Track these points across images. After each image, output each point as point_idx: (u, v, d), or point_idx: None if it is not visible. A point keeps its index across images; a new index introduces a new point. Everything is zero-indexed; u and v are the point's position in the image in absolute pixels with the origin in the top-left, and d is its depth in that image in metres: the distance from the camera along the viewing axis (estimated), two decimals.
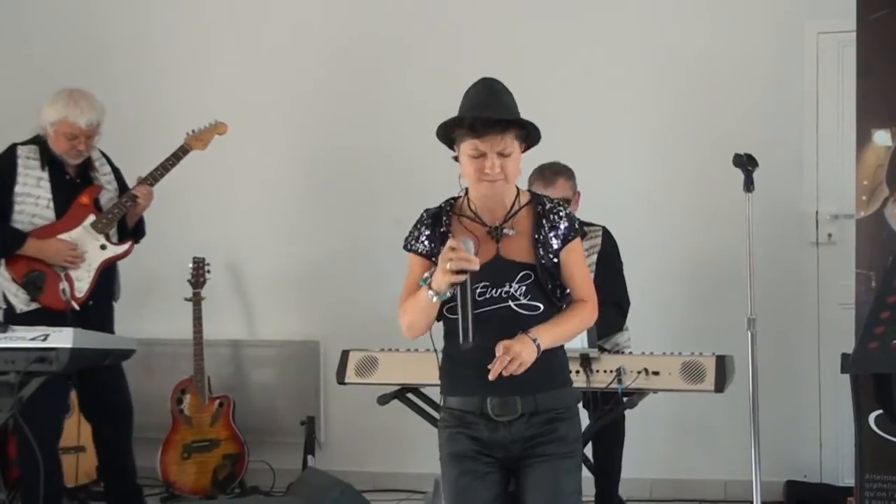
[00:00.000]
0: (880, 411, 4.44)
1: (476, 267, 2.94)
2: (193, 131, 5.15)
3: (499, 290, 3.04)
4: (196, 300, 5.66)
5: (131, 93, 6.07)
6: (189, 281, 5.68)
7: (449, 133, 3.19)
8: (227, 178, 6.08)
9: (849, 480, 5.14)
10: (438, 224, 3.21)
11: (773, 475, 5.24)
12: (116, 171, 5.06)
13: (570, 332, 3.10)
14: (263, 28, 6.14)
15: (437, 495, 5.49)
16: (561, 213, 3.13)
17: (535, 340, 2.96)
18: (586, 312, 3.12)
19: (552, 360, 3.08)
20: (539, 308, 3.04)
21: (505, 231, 3.11)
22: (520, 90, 6.00)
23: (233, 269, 6.13)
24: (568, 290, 3.11)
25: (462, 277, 2.92)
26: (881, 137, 4.58)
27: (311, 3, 6.11)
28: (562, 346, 3.14)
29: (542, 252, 3.08)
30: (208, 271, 5.73)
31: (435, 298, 3.00)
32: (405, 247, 3.28)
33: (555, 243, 3.10)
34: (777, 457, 5.29)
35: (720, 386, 4.26)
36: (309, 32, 6.08)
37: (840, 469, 5.40)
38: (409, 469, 5.80)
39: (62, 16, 6.32)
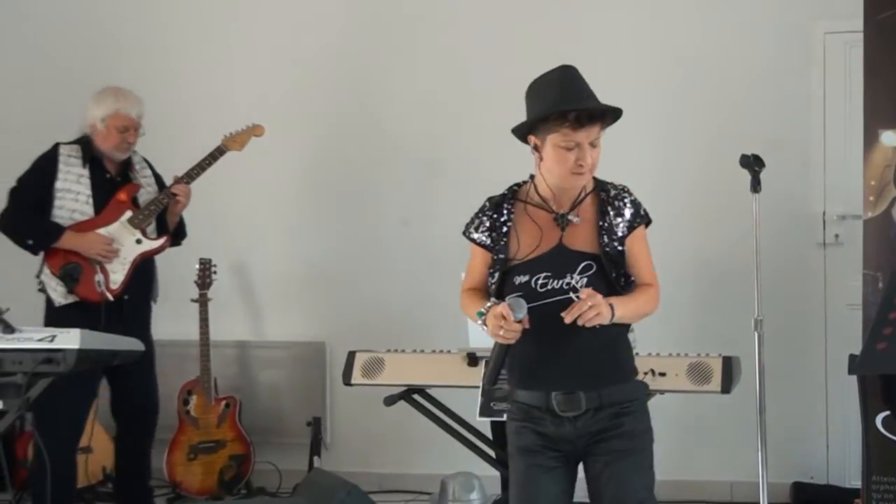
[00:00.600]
0: (887, 413, 4.44)
1: (514, 342, 2.93)
2: (231, 133, 5.22)
3: (560, 282, 3.01)
4: (202, 301, 5.67)
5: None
6: (195, 282, 5.68)
7: (533, 124, 3.09)
8: (233, 179, 6.07)
9: (856, 482, 5.13)
10: (500, 214, 3.16)
11: (780, 476, 5.23)
12: (157, 176, 5.17)
13: (640, 309, 3.07)
14: (270, 28, 6.14)
15: (443, 496, 5.50)
16: (626, 200, 3.10)
17: (611, 304, 2.93)
18: (652, 294, 3.09)
19: (617, 352, 3.08)
20: None
21: (570, 218, 3.07)
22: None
23: (239, 270, 6.13)
24: (632, 279, 3.09)
25: (508, 342, 2.93)
26: (888, 138, 4.58)
27: (315, 1, 6.11)
28: (627, 342, 3.12)
29: (606, 240, 3.05)
30: (214, 272, 5.74)
31: (480, 323, 3.02)
32: (464, 233, 3.24)
33: (620, 230, 3.07)
34: (784, 458, 5.28)
35: (727, 387, 4.26)
36: (317, 32, 6.08)
37: (847, 471, 5.40)
38: (415, 470, 5.80)
39: (76, 17, 6.31)
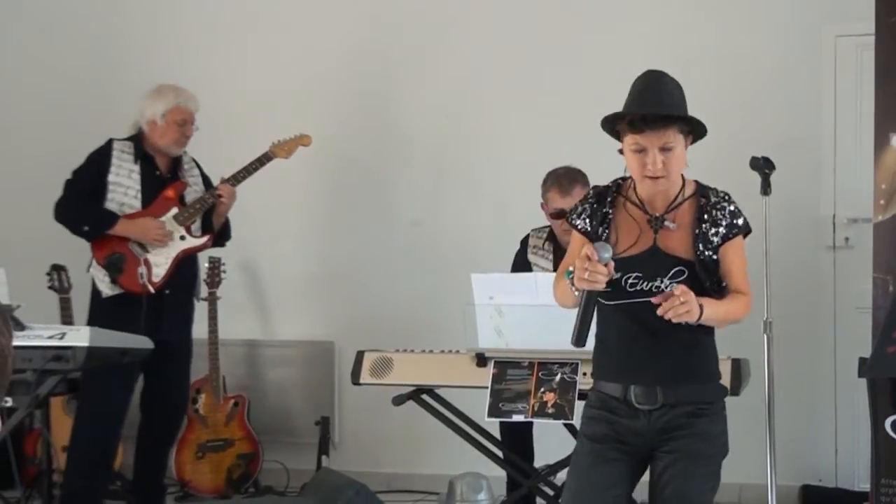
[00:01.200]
0: None
1: (601, 287, 2.94)
2: (279, 140, 5.30)
3: (650, 284, 3.04)
4: (211, 300, 5.67)
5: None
6: (205, 281, 5.69)
7: (614, 126, 3.12)
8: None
9: (864, 485, 5.12)
10: (602, 204, 3.17)
11: (789, 479, 5.22)
12: (205, 177, 5.25)
13: (729, 315, 3.08)
14: (281, 27, 6.15)
15: (450, 496, 5.50)
16: (725, 209, 3.10)
17: (700, 305, 2.95)
18: (742, 302, 3.10)
19: (699, 352, 3.10)
20: None
21: (666, 224, 3.09)
22: (534, 91, 6.02)
23: (248, 269, 6.14)
24: (724, 285, 3.10)
25: (593, 287, 2.94)
26: None
27: (331, 3, 6.12)
28: (713, 344, 3.15)
29: (700, 247, 3.06)
30: (224, 271, 5.74)
31: (576, 293, 3.03)
32: (567, 219, 3.28)
33: (715, 239, 3.08)
34: (792, 461, 5.27)
35: (735, 389, 4.25)
36: (326, 32, 6.09)
37: (856, 474, 5.38)
38: (423, 470, 5.80)
39: (88, 15, 6.33)
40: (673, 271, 3.04)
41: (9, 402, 4.28)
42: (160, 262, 5.03)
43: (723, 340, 4.95)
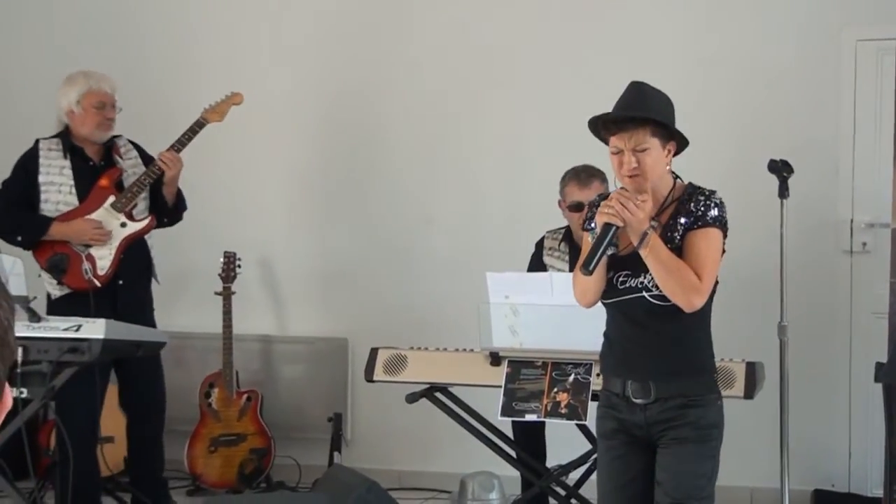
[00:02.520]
0: None
1: (621, 224, 3.12)
2: (210, 104, 5.16)
3: (635, 281, 3.24)
4: (226, 294, 5.68)
5: (161, 84, 6.10)
6: (220, 275, 5.69)
7: (600, 134, 3.32)
8: (259, 174, 6.10)
9: (877, 491, 5.11)
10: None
11: (801, 484, 5.21)
12: (145, 157, 5.12)
13: (672, 267, 3.15)
14: (294, 20, 6.14)
15: (462, 495, 5.49)
16: (700, 202, 3.24)
17: (646, 232, 3.12)
18: (693, 279, 3.16)
19: (690, 349, 3.27)
20: (670, 302, 3.18)
21: (652, 224, 3.22)
22: (546, 92, 6.01)
23: (263, 264, 6.15)
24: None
25: (611, 221, 3.11)
26: None
27: None
28: (707, 340, 3.31)
29: (668, 234, 3.23)
30: (239, 266, 5.75)
31: (590, 237, 3.24)
32: (583, 228, 3.47)
33: (680, 228, 3.24)
34: (805, 465, 5.26)
35: (749, 392, 4.24)
36: (339, 24, 6.08)
37: (869, 479, 5.36)
38: (435, 468, 5.80)
39: (93, 6, 6.34)
40: None
41: (24, 392, 4.29)
42: (104, 255, 4.93)
43: (737, 343, 4.98)
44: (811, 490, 5.36)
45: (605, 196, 3.36)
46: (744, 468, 5.49)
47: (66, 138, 5.00)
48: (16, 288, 4.39)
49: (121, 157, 5.08)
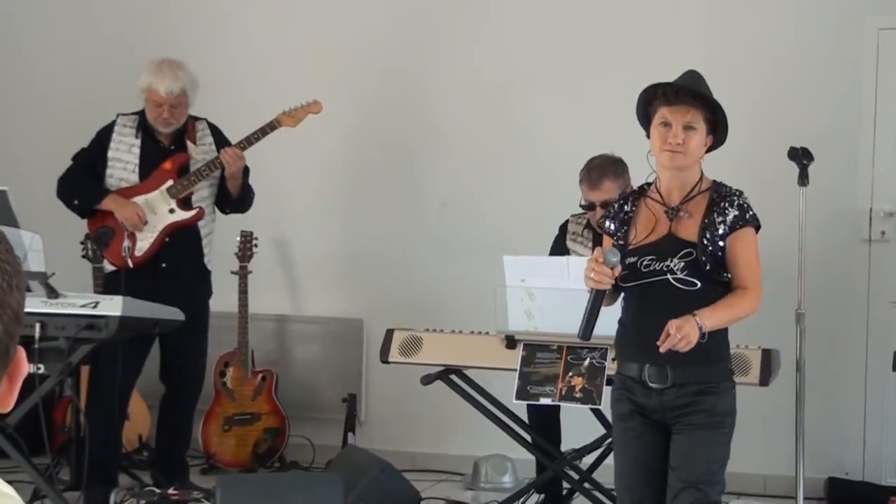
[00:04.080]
0: None
1: (605, 287, 3.26)
2: (288, 109, 5.24)
3: (661, 264, 3.32)
4: (242, 274, 5.69)
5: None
6: (236, 254, 5.70)
7: (647, 108, 3.39)
8: (278, 155, 6.09)
9: (892, 480, 5.12)
10: (626, 206, 3.47)
11: (815, 472, 5.20)
12: (220, 143, 5.16)
13: (734, 315, 3.35)
14: (317, 5, 6.14)
15: (475, 477, 5.51)
16: (734, 202, 3.36)
17: (699, 324, 3.22)
18: (747, 300, 3.35)
19: (709, 338, 3.29)
20: (696, 284, 3.29)
21: (680, 214, 3.35)
22: (574, 69, 5.99)
23: (280, 244, 6.15)
24: (717, 273, 3.32)
25: (598, 286, 3.26)
26: None
27: None
28: (722, 330, 3.37)
29: (707, 235, 3.31)
30: (256, 245, 5.75)
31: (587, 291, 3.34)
32: (598, 223, 3.65)
33: (721, 229, 3.33)
34: (819, 453, 5.25)
35: (765, 380, 4.23)
36: (363, 11, 6.07)
37: (883, 468, 5.36)
38: (448, 450, 5.81)
39: None
40: (682, 252, 3.31)
41: (41, 368, 4.31)
42: (146, 237, 5.02)
43: (754, 331, 4.96)
44: (825, 478, 5.35)
45: (614, 203, 3.52)
46: (757, 455, 5.48)
47: (142, 117, 5.10)
48: (35, 264, 4.40)
49: (194, 142, 5.14)
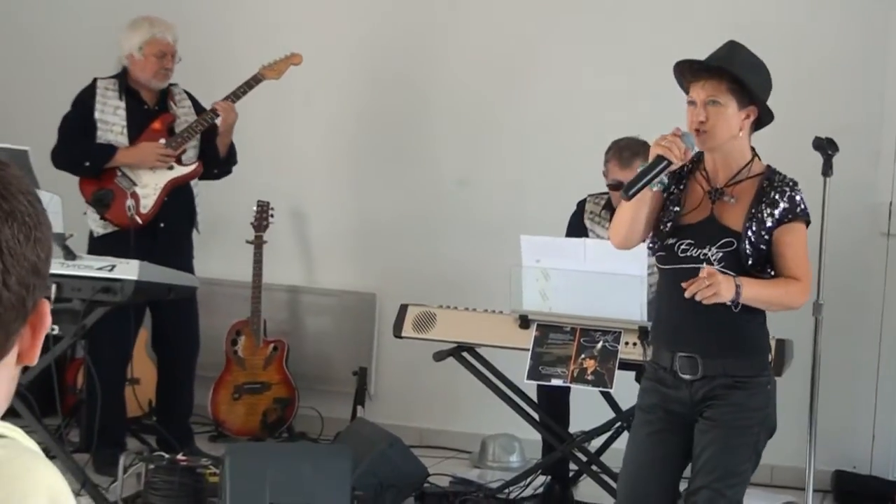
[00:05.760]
0: None
1: (675, 161, 3.05)
2: (268, 62, 5.23)
3: (699, 251, 3.14)
4: (257, 243, 5.69)
5: (201, 34, 6.08)
6: (252, 224, 5.70)
7: (683, 85, 3.23)
8: (297, 125, 6.09)
9: None
10: (677, 181, 3.26)
11: (822, 464, 5.17)
12: (198, 107, 5.19)
13: (777, 298, 3.16)
14: None
15: (482, 456, 5.52)
16: (785, 193, 3.16)
17: (738, 285, 3.04)
18: (795, 288, 3.16)
19: (743, 328, 3.17)
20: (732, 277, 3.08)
21: (725, 198, 3.17)
22: (589, 54, 5.96)
23: (296, 215, 6.15)
24: (760, 267, 3.15)
25: (664, 153, 3.05)
26: None
27: None
28: (761, 319, 3.23)
29: (753, 226, 3.13)
30: (272, 215, 5.75)
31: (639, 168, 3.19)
32: None
33: (769, 221, 3.14)
34: (827, 446, 5.22)
35: (778, 370, 4.22)
36: None
37: (891, 463, 5.35)
38: (457, 428, 5.81)
39: None
40: (721, 242, 3.12)
41: (56, 329, 4.32)
42: (148, 194, 5.01)
43: (768, 321, 4.96)
44: (832, 470, 5.35)
45: (691, 164, 3.30)
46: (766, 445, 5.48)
47: (123, 80, 5.08)
48: (53, 225, 4.39)
49: (175, 105, 5.14)
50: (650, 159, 3.12)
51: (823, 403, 4.68)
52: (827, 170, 4.23)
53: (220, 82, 5.38)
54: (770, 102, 5.74)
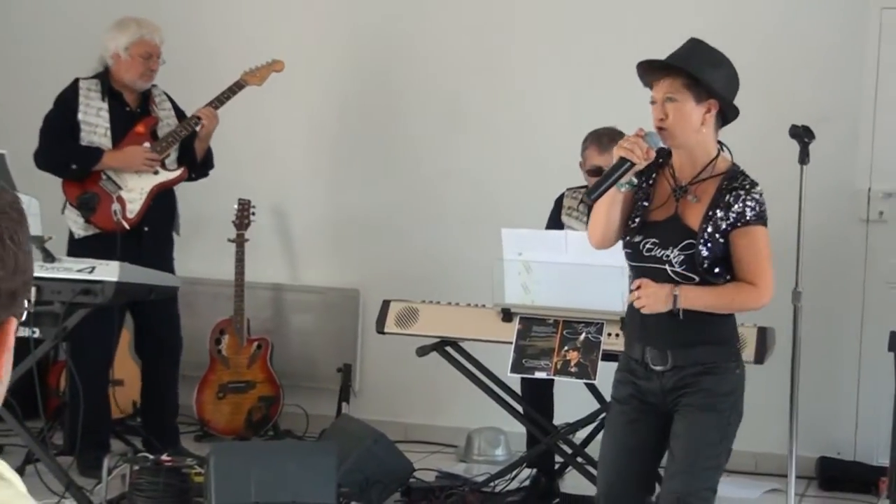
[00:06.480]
0: None
1: (638, 162, 3.10)
2: (251, 68, 5.25)
3: (662, 252, 3.18)
4: (239, 242, 5.68)
5: (181, 36, 6.06)
6: (233, 222, 5.69)
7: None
8: (276, 122, 6.08)
9: (883, 460, 5.12)
10: (647, 176, 3.28)
11: (806, 450, 5.20)
12: (178, 109, 5.20)
13: (720, 305, 3.20)
14: None
15: (468, 450, 5.52)
16: (740, 196, 3.16)
17: (675, 295, 3.12)
18: (746, 295, 3.19)
19: (709, 319, 3.21)
20: (694, 280, 3.15)
21: (688, 197, 3.20)
22: (569, 48, 5.97)
23: (278, 213, 6.14)
24: (718, 270, 3.17)
25: (627, 155, 3.10)
26: None
27: None
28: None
29: (709, 228, 3.15)
30: (253, 213, 5.74)
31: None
32: None
33: (723, 224, 3.15)
34: (811, 432, 5.26)
35: (760, 357, 4.24)
36: None
37: (875, 448, 5.37)
38: (442, 422, 5.82)
39: None
40: (683, 244, 3.16)
41: (36, 332, 4.31)
42: (134, 199, 5.01)
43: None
44: (816, 457, 5.37)
45: (661, 160, 3.33)
46: (749, 434, 5.42)
47: (105, 80, 5.06)
48: (31, 228, 4.37)
49: (156, 107, 5.14)
50: (614, 161, 3.17)
51: (806, 391, 4.70)
52: (804, 158, 4.24)
53: (197, 82, 5.39)
54: (748, 92, 5.75)
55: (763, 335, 4.26)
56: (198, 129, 5.08)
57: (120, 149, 5.00)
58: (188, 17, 6.08)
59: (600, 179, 3.20)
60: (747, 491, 5.21)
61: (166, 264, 5.11)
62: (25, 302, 1.31)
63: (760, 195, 3.20)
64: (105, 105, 5.02)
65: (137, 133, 5.05)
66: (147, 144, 5.03)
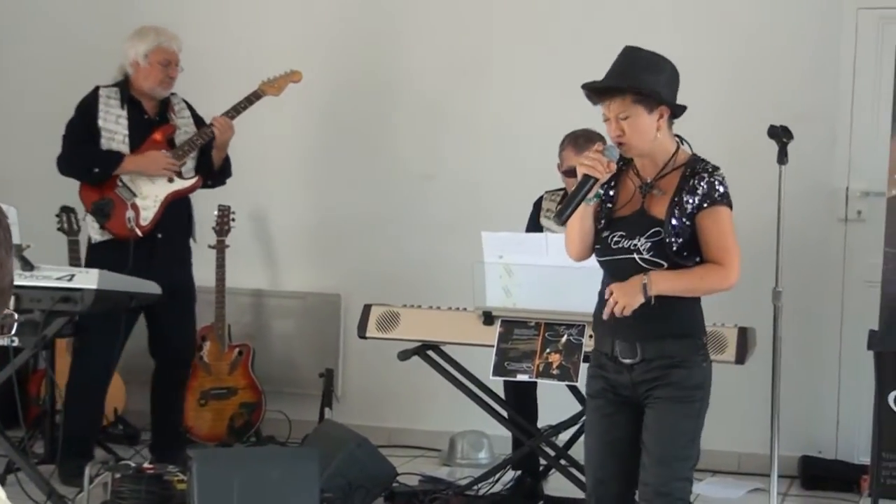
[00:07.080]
0: None
1: (600, 177, 3.21)
2: (269, 78, 5.31)
3: (630, 242, 3.26)
4: (220, 248, 5.66)
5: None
6: (213, 228, 5.68)
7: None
8: (255, 129, 6.05)
9: (864, 458, 5.15)
10: (609, 182, 3.36)
11: (788, 450, 5.22)
12: (197, 118, 5.24)
13: (690, 286, 3.27)
14: None
15: (451, 453, 5.52)
16: (703, 179, 3.25)
17: (644, 284, 3.17)
18: (715, 274, 3.26)
19: (677, 311, 3.28)
20: (662, 266, 3.22)
21: (654, 192, 3.29)
22: (549, 52, 5.98)
23: (258, 218, 6.13)
24: (687, 253, 3.25)
25: (589, 172, 3.20)
26: None
27: None
28: (692, 303, 3.32)
29: (675, 213, 3.23)
30: (233, 219, 5.73)
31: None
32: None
33: (689, 208, 3.24)
34: (793, 432, 5.28)
35: (741, 357, 4.25)
36: None
37: (856, 447, 5.39)
38: (425, 426, 5.81)
39: None
40: (650, 232, 3.24)
41: (15, 341, 4.29)
42: (148, 206, 5.04)
43: (729, 308, 4.99)
44: (798, 456, 5.39)
45: (620, 161, 3.37)
46: (732, 434, 5.52)
47: (124, 89, 5.10)
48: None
49: (175, 115, 5.17)
50: (578, 179, 3.25)
51: (787, 390, 4.72)
52: (782, 157, 4.27)
53: (178, 84, 5.35)
54: (727, 93, 5.81)
55: (744, 335, 4.27)
56: (216, 136, 5.13)
57: (141, 153, 5.05)
58: (169, 18, 6.07)
59: (567, 200, 3.27)
60: (730, 491, 5.23)
61: (182, 271, 5.17)
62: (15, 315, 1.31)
63: (723, 178, 3.29)
64: (124, 112, 5.07)
65: (154, 140, 5.09)
66: (164, 152, 5.07)
